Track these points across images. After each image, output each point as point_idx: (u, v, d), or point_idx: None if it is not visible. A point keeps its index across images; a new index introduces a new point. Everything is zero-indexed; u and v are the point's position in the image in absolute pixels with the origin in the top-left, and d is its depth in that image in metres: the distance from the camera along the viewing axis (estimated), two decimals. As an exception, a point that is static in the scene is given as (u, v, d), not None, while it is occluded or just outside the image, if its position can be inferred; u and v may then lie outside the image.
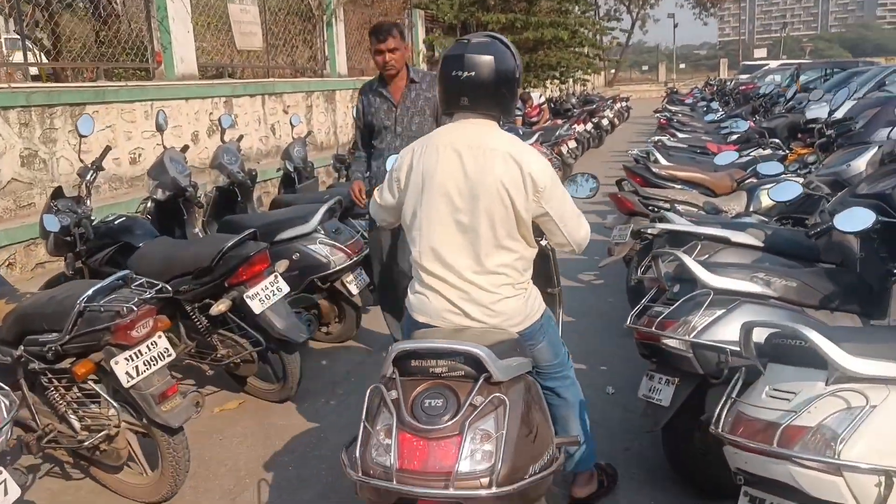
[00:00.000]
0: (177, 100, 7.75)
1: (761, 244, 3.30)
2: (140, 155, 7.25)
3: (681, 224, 3.44)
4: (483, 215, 2.19)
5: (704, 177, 5.17)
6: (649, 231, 3.68)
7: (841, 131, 5.06)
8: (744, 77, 25.69)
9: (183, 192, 4.66)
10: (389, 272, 3.88)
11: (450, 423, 1.87)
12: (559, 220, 2.27)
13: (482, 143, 2.21)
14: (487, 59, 2.20)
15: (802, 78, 19.28)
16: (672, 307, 2.62)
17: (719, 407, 1.95)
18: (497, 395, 1.92)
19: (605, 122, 17.65)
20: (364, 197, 3.91)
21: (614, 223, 5.13)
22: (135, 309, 2.71)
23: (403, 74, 3.89)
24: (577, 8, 17.77)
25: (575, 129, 12.79)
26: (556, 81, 17.82)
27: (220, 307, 3.48)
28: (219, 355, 3.68)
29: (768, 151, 6.24)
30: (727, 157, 5.11)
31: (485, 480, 1.83)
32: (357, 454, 1.92)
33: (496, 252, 2.22)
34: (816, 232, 2.90)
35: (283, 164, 6.44)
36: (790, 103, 9.59)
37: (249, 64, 9.99)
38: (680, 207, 4.31)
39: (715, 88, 24.73)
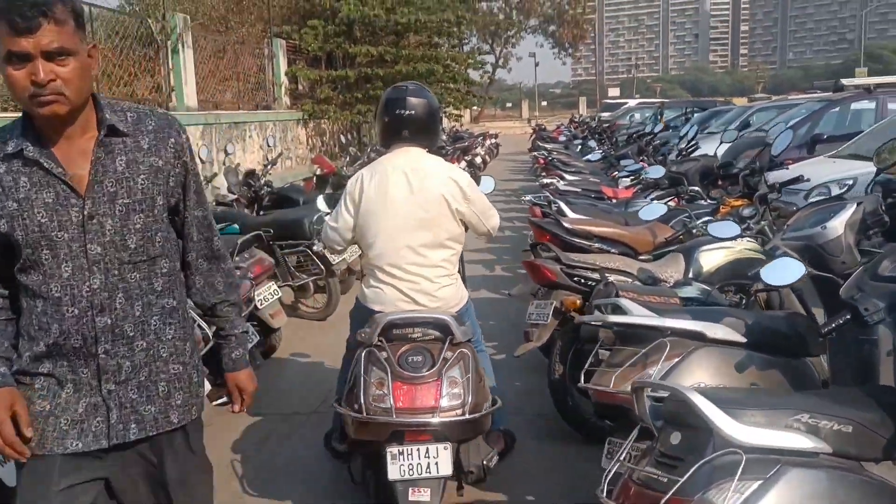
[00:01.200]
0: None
1: (742, 338, 2.52)
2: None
3: (640, 315, 2.59)
4: (429, 222, 2.87)
5: (623, 232, 4.46)
6: (596, 323, 2.80)
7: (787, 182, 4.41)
8: (605, 115, 26.45)
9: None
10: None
11: (429, 372, 2.63)
12: (481, 215, 3.00)
13: (423, 166, 2.92)
14: (423, 100, 2.96)
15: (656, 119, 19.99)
16: (679, 477, 1.71)
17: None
18: (461, 350, 2.70)
19: (478, 159, 17.20)
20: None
21: (522, 293, 4.29)
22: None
23: (89, 119, 1.69)
24: (446, 42, 17.26)
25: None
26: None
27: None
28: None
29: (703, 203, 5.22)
30: (653, 210, 4.37)
31: (458, 411, 2.59)
32: (361, 401, 2.59)
33: (438, 249, 2.91)
34: (831, 329, 2.11)
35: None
36: (682, 144, 9.12)
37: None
38: (611, 277, 3.49)
39: (581, 126, 25.35)
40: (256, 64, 12.85)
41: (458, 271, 3.10)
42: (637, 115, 26.56)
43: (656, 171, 6.05)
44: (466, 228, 3.02)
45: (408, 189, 2.85)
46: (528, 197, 6.36)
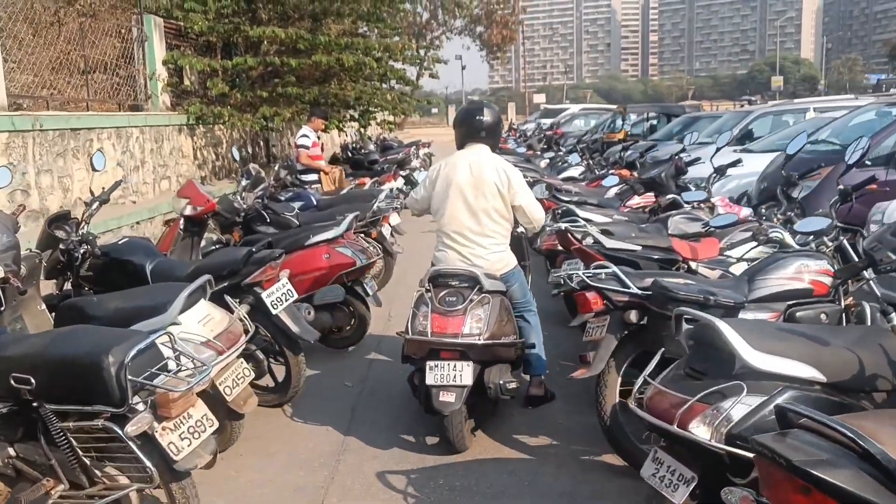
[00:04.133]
0: None
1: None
2: None
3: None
4: (484, 201, 3.82)
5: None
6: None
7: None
8: (546, 121, 23.85)
9: None
10: None
11: (459, 308, 3.54)
12: (527, 208, 3.89)
13: (486, 160, 3.91)
14: (493, 110, 4.07)
15: (619, 124, 17.44)
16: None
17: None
18: (486, 296, 3.61)
19: (416, 174, 14.07)
20: None
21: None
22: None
23: None
24: (375, 33, 14.00)
25: (391, 190, 8.92)
26: (355, 124, 13.85)
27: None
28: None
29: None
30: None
31: (476, 337, 3.49)
32: (409, 326, 3.59)
33: (491, 222, 3.85)
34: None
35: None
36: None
37: None
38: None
39: (519, 133, 22.63)
40: (118, 48, 9.29)
41: (520, 245, 5.01)
42: (581, 122, 24.27)
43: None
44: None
45: (468, 174, 3.85)
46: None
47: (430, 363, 3.45)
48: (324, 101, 11.81)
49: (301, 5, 11.27)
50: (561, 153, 11.85)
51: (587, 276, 3.36)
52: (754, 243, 3.92)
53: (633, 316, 3.26)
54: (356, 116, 13.26)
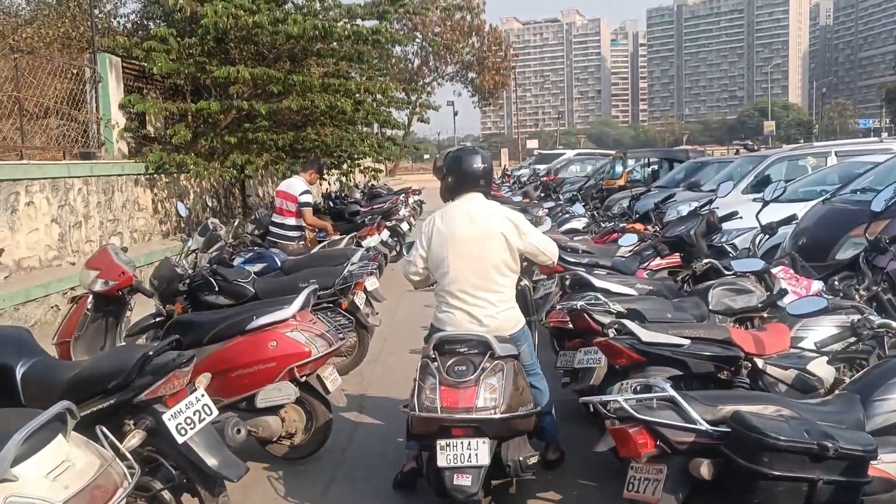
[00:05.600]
0: None
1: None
2: None
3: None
4: (491, 254, 3.48)
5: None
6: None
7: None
8: (541, 167, 22.96)
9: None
10: None
11: (470, 378, 3.14)
12: (539, 246, 3.58)
13: (484, 209, 3.57)
14: (485, 155, 3.75)
15: (619, 170, 16.51)
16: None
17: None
18: (498, 362, 3.21)
19: (403, 225, 12.99)
20: None
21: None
22: None
23: None
24: (357, 74, 13.05)
25: (368, 249, 7.77)
26: (335, 172, 12.82)
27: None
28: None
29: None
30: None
31: (492, 411, 3.09)
32: (415, 401, 3.14)
33: (500, 276, 3.50)
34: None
35: None
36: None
37: None
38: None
39: (513, 180, 21.69)
40: (65, 91, 8.28)
41: (525, 299, 4.55)
42: (576, 167, 23.39)
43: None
44: (524, 262, 3.66)
45: (471, 227, 3.49)
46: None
47: (440, 442, 3.08)
48: (301, 148, 10.80)
49: (277, 44, 10.32)
50: (561, 202, 10.80)
51: (631, 405, 2.24)
52: (851, 338, 2.83)
53: (703, 469, 2.13)
54: (337, 163, 12.23)
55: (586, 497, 3.64)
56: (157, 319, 5.77)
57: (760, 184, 10.29)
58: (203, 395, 2.95)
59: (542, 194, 13.65)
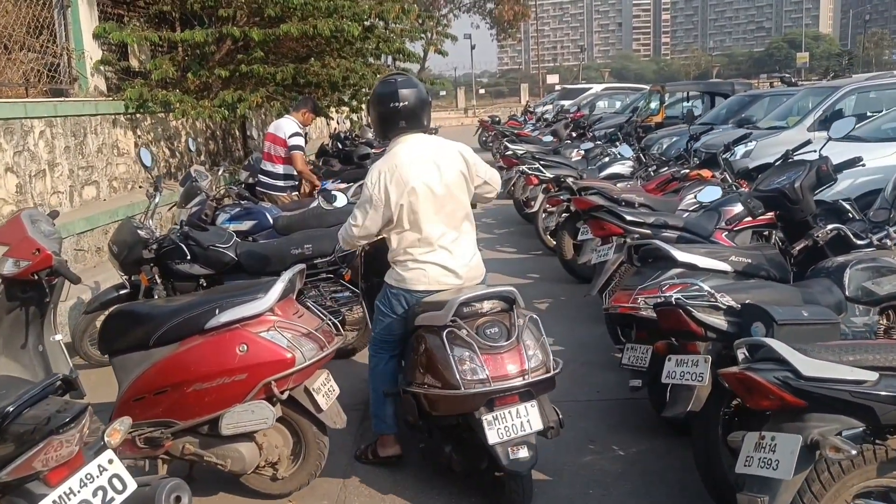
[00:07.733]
0: None
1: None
2: None
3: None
4: (456, 200, 3.22)
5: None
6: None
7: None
8: (567, 103, 21.40)
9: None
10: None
11: (510, 339, 2.89)
12: (488, 177, 3.37)
13: (442, 151, 3.24)
14: (414, 90, 3.21)
15: (654, 105, 15.06)
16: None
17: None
18: (529, 315, 3.03)
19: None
20: None
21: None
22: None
23: None
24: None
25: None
26: (344, 109, 11.59)
27: None
28: None
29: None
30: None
31: (542, 370, 2.90)
32: (456, 378, 2.80)
33: (466, 223, 3.30)
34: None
35: None
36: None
37: None
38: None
39: (538, 117, 20.24)
40: (31, 16, 7.09)
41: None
42: (604, 103, 21.80)
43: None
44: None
45: (438, 175, 3.16)
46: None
47: (487, 417, 2.80)
48: (303, 83, 9.56)
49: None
50: (600, 143, 9.52)
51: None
52: None
53: None
54: (346, 100, 10.98)
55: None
56: (122, 293, 4.76)
57: (830, 119, 8.98)
58: (112, 461, 1.89)
59: (574, 133, 12.34)
